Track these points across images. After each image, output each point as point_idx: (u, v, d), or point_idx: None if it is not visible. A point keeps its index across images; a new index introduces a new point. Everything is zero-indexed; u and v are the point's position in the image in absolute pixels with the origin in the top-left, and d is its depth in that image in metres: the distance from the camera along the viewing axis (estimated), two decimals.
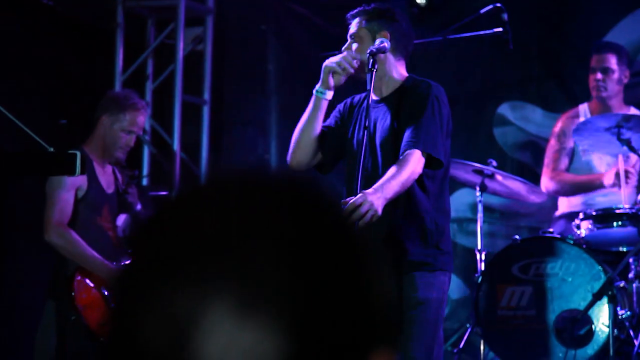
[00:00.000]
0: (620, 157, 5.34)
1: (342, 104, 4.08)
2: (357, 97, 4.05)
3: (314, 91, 3.91)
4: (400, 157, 3.68)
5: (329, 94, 3.90)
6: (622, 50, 5.65)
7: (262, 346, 0.76)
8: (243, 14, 6.78)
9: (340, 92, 4.05)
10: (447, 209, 3.91)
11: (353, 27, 3.92)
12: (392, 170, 3.63)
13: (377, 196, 3.52)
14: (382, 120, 3.86)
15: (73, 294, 4.61)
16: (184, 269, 0.79)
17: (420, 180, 3.77)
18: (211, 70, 6.40)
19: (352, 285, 0.80)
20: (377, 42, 3.80)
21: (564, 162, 5.70)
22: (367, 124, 3.71)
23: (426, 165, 3.71)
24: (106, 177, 4.82)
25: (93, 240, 4.65)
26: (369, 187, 3.60)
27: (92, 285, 4.59)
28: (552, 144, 5.77)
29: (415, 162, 3.65)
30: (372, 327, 0.80)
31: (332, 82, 3.88)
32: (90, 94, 6.24)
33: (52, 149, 3.49)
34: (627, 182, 5.38)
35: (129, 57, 6.31)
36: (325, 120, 4.02)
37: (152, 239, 0.84)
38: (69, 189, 4.61)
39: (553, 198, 5.83)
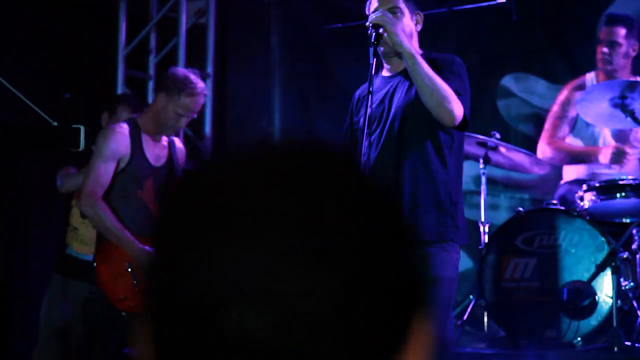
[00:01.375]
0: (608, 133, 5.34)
1: (352, 104, 4.07)
2: (362, 87, 4.06)
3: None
4: None
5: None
6: (632, 23, 5.58)
7: (323, 294, 0.79)
8: None
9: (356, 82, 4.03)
10: (461, 182, 3.92)
11: (392, 1, 3.91)
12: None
13: (394, 25, 3.67)
14: (400, 90, 3.86)
15: (94, 266, 4.61)
16: (242, 225, 0.80)
17: (439, 150, 3.79)
18: (214, 43, 6.38)
19: (396, 258, 0.84)
20: (418, 20, 3.94)
21: (564, 130, 5.69)
22: (371, 89, 3.72)
23: (458, 125, 3.71)
24: (157, 150, 4.73)
25: (131, 213, 4.59)
26: (382, 157, 3.66)
27: (115, 259, 4.56)
28: (555, 110, 5.75)
29: (454, 96, 3.67)
30: (414, 293, 0.85)
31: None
32: (93, 67, 6.24)
33: (55, 123, 3.49)
34: (624, 162, 5.37)
35: (132, 31, 6.29)
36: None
37: (208, 193, 0.84)
38: (107, 159, 4.55)
39: (557, 169, 5.83)
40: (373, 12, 3.87)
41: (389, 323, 0.82)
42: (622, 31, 5.50)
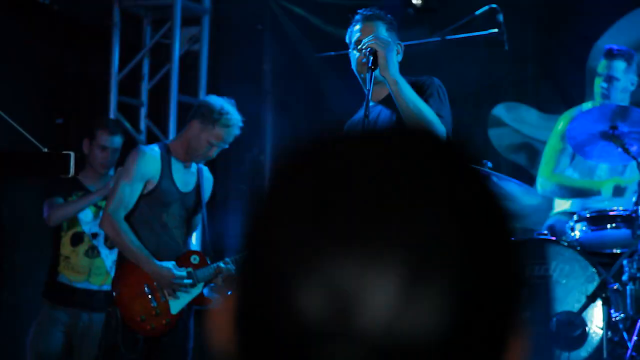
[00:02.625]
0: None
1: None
2: (356, 115, 4.07)
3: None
4: None
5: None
6: (632, 57, 5.57)
7: (429, 319, 0.69)
8: (239, 14, 6.78)
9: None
10: None
11: (376, 30, 3.92)
12: None
13: (388, 50, 3.69)
14: (383, 118, 3.87)
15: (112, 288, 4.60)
16: (347, 232, 0.70)
17: None
18: (207, 70, 6.40)
19: (510, 260, 0.77)
20: (399, 51, 3.96)
21: (565, 162, 5.68)
22: (367, 112, 3.72)
23: None
24: (186, 176, 4.72)
25: (153, 236, 4.58)
26: None
27: (134, 280, 4.54)
28: (554, 143, 5.73)
29: (436, 119, 3.68)
30: (520, 305, 0.77)
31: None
32: (86, 93, 6.25)
33: (46, 149, 3.49)
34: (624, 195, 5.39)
35: (125, 57, 6.31)
36: None
37: (305, 197, 0.73)
38: (135, 180, 4.54)
39: (548, 200, 5.83)
40: (357, 39, 3.90)
41: (501, 339, 0.74)
42: (621, 65, 5.50)
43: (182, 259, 4.61)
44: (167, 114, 6.17)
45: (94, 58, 6.32)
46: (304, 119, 6.57)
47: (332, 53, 5.86)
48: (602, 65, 5.54)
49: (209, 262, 4.64)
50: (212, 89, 6.49)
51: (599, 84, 5.53)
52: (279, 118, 6.72)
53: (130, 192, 4.52)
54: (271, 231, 0.73)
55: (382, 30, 3.91)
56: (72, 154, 3.42)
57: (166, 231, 4.62)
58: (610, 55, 5.54)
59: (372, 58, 3.75)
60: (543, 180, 5.69)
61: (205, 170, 4.83)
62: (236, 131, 4.66)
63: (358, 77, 3.97)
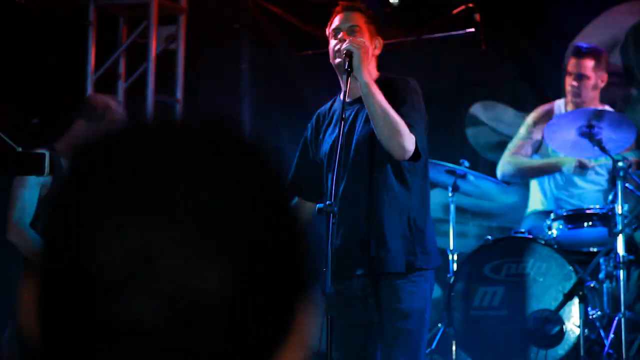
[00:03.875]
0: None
1: (307, 131, 4.06)
2: (322, 109, 4.06)
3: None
4: None
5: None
6: (600, 54, 5.60)
7: (212, 282, 0.78)
8: (216, 13, 6.75)
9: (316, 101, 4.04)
10: (428, 206, 3.91)
11: (354, 19, 3.91)
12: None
13: (365, 50, 3.70)
14: (360, 117, 3.86)
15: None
16: (136, 197, 0.79)
17: (401, 176, 3.77)
18: (184, 69, 6.37)
19: (285, 229, 0.84)
20: (377, 45, 3.93)
21: (527, 150, 5.70)
22: (344, 115, 3.71)
23: (409, 157, 3.70)
24: None
25: None
26: (348, 185, 3.67)
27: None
28: (520, 132, 5.78)
29: (406, 130, 3.65)
30: (301, 277, 0.84)
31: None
32: (62, 93, 6.20)
33: (20, 149, 3.46)
34: (584, 174, 5.45)
35: (101, 56, 6.26)
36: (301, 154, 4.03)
37: (101, 165, 0.83)
38: (31, 187, 4.57)
39: (525, 198, 5.85)
40: (335, 36, 3.89)
41: (275, 314, 0.81)
42: (590, 63, 5.52)
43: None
44: (144, 113, 6.14)
45: (70, 57, 6.27)
46: (281, 118, 6.55)
47: (310, 51, 5.86)
48: (571, 64, 5.57)
49: None
50: (189, 89, 6.47)
51: (569, 83, 5.56)
52: (256, 118, 6.71)
53: (29, 198, 4.54)
54: (72, 197, 0.82)
55: (361, 22, 3.91)
56: (47, 153, 3.40)
57: None
58: (579, 53, 5.57)
59: (347, 60, 3.74)
60: (502, 163, 5.70)
61: None
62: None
63: (335, 68, 3.96)
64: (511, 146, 5.76)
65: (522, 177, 5.74)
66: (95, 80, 6.23)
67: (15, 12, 5.97)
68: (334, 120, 3.94)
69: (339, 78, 3.92)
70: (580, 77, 5.52)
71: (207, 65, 6.75)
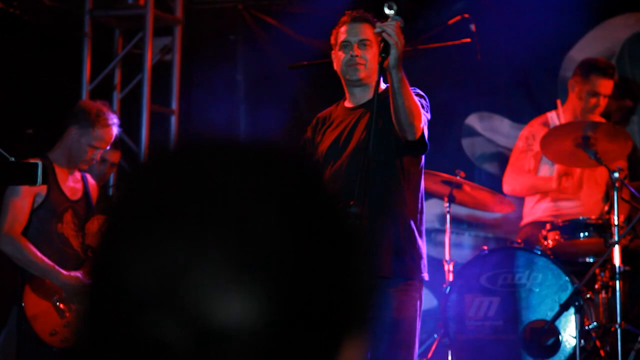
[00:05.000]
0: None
1: (307, 132, 4.07)
2: (322, 114, 4.07)
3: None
4: None
5: None
6: (615, 71, 5.69)
7: (249, 307, 0.74)
8: (211, 24, 6.76)
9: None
10: (422, 217, 3.89)
11: (364, 33, 3.91)
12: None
13: (402, 40, 3.59)
14: (362, 123, 3.86)
15: (23, 304, 4.60)
16: (180, 216, 0.76)
17: (397, 184, 3.77)
18: (179, 80, 6.37)
19: (339, 262, 0.79)
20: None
21: (529, 164, 5.70)
22: (374, 108, 3.65)
23: (415, 145, 3.71)
24: (72, 183, 4.75)
25: (53, 248, 4.60)
26: (344, 188, 3.67)
27: (42, 294, 4.57)
28: (519, 145, 5.78)
29: (421, 113, 3.68)
30: (350, 309, 0.79)
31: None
32: (57, 103, 6.19)
33: (12, 159, 3.45)
34: (571, 188, 5.43)
35: (97, 67, 6.26)
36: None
37: (146, 184, 0.81)
38: (23, 196, 4.56)
39: (520, 208, 5.84)
40: (344, 48, 3.88)
41: (317, 350, 0.76)
42: (612, 83, 5.57)
43: (87, 267, 4.63)
44: (139, 124, 6.13)
45: (65, 68, 6.27)
46: (276, 128, 6.54)
47: (305, 63, 5.86)
48: (599, 85, 5.53)
49: None
50: (185, 100, 6.46)
51: (591, 101, 5.54)
52: (252, 128, 6.70)
53: (21, 208, 4.55)
54: (118, 218, 0.80)
55: (371, 34, 3.91)
56: (40, 164, 3.39)
57: (64, 241, 4.65)
58: (607, 73, 5.56)
59: (384, 44, 3.59)
60: (508, 179, 5.72)
61: (88, 177, 4.86)
62: (115, 131, 4.70)
63: (342, 78, 3.95)
64: (512, 161, 5.77)
65: (522, 194, 5.74)
66: (91, 91, 6.23)
67: (11, 22, 5.97)
68: (333, 124, 3.95)
69: (345, 87, 3.93)
70: (605, 97, 5.55)
71: (202, 76, 6.74)
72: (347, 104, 3.99)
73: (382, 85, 3.97)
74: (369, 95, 3.90)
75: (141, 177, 0.82)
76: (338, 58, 3.92)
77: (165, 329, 0.74)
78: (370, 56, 3.90)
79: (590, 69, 5.56)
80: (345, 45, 3.90)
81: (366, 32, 3.91)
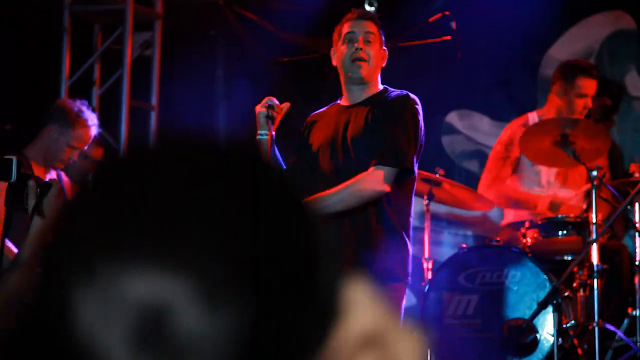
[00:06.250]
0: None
1: (304, 127, 4.08)
2: (316, 112, 4.10)
3: (257, 137, 3.90)
4: (361, 175, 3.72)
5: (270, 132, 3.89)
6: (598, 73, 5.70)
7: (227, 331, 0.69)
8: (192, 20, 6.73)
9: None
10: (408, 219, 3.89)
11: (370, 26, 3.91)
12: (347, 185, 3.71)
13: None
14: (355, 121, 3.86)
15: None
16: (140, 244, 0.69)
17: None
18: (159, 75, 6.33)
19: (313, 277, 0.74)
20: (384, 56, 4.00)
21: (506, 171, 5.70)
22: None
23: (397, 177, 3.75)
24: None
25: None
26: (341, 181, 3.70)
27: None
28: (498, 150, 5.76)
29: (374, 181, 3.69)
30: (323, 322, 0.75)
31: (270, 124, 3.86)
32: (36, 99, 6.15)
33: None
34: (560, 211, 5.42)
35: (76, 62, 6.22)
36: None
37: (99, 208, 0.71)
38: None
39: (499, 207, 5.85)
40: (349, 41, 3.90)
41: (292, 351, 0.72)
42: (596, 83, 5.56)
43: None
44: (119, 120, 6.10)
45: (44, 63, 6.23)
46: (256, 125, 6.52)
47: (286, 59, 5.84)
48: (586, 86, 5.53)
49: None
50: (164, 95, 6.43)
51: (583, 105, 5.53)
52: (232, 124, 6.68)
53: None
54: (72, 237, 0.71)
55: (375, 30, 3.94)
56: (15, 159, 3.36)
57: None
58: (593, 74, 5.55)
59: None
60: (484, 188, 5.70)
61: (63, 175, 4.82)
62: (95, 131, 4.65)
63: (342, 74, 3.97)
64: (490, 167, 5.73)
65: (501, 205, 5.74)
66: (70, 86, 6.19)
67: None
68: (327, 122, 3.96)
69: (343, 85, 3.94)
70: (590, 97, 5.54)
71: (182, 72, 6.72)
72: (344, 102, 4.00)
73: (380, 86, 3.99)
74: (365, 93, 3.92)
75: (89, 194, 0.74)
76: (340, 52, 3.93)
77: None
78: (373, 53, 3.91)
79: (574, 71, 5.54)
80: (350, 37, 3.90)
81: (371, 26, 3.94)
